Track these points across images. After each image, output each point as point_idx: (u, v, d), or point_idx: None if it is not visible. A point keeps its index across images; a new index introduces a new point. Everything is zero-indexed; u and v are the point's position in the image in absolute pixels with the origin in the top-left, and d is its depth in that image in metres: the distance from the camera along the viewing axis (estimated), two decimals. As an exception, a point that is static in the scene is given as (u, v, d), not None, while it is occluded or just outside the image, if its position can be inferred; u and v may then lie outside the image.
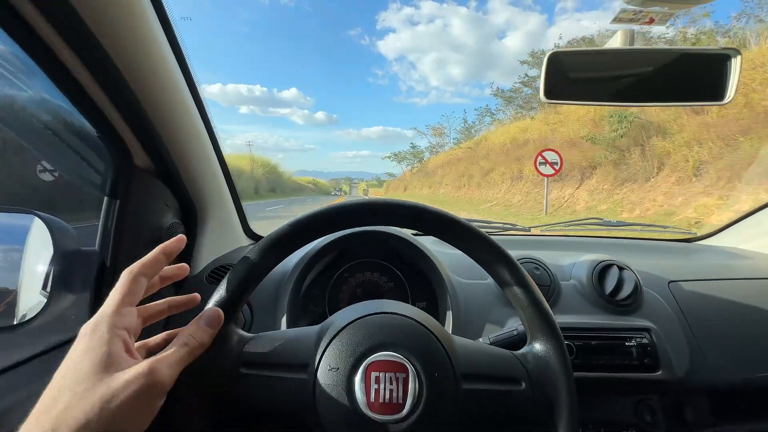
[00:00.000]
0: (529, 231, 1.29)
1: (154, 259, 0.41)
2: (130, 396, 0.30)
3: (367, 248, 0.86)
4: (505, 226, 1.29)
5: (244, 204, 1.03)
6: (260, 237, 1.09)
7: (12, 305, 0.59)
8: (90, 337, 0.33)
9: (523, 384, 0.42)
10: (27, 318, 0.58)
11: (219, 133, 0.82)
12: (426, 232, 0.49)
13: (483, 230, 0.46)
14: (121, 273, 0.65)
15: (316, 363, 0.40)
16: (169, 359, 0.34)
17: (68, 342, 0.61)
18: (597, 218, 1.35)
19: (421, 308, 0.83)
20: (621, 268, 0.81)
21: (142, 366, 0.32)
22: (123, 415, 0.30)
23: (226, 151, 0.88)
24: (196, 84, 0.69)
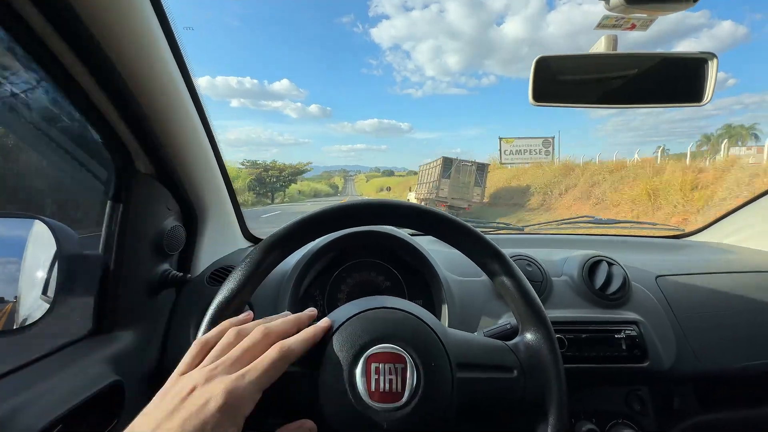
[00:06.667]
0: (523, 230, 1.32)
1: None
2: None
3: (365, 248, 0.87)
4: (498, 225, 1.33)
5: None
6: (258, 239, 1.11)
7: (12, 311, 0.60)
8: None
9: (515, 372, 0.44)
10: (28, 322, 0.59)
11: (218, 138, 0.83)
12: (422, 231, 0.51)
13: (475, 228, 0.49)
14: (124, 276, 0.66)
15: (319, 356, 0.42)
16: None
17: (72, 344, 0.62)
18: (588, 216, 1.38)
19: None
20: (610, 264, 0.84)
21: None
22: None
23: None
24: (197, 90, 0.71)
